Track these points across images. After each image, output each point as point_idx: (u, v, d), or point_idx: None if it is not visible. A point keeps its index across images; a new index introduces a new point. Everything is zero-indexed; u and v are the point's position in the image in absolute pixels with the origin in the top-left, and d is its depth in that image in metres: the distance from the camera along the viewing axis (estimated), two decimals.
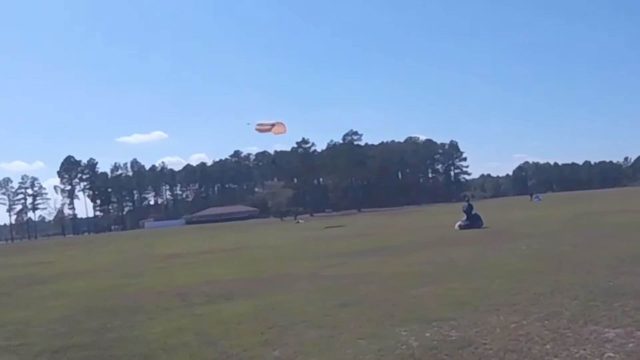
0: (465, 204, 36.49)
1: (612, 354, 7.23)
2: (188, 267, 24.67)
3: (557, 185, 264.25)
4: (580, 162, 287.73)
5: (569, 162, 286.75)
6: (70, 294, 18.15)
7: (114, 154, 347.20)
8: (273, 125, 46.48)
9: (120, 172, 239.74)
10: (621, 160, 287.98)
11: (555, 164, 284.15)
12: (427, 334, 8.91)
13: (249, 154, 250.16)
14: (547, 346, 7.76)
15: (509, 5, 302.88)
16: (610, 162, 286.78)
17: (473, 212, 35.77)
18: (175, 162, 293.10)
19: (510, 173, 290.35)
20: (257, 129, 36.95)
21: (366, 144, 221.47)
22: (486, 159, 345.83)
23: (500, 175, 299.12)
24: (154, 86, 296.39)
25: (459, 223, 34.71)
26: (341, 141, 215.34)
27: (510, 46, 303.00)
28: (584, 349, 7.49)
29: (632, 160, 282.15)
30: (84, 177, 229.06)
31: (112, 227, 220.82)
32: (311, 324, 10.30)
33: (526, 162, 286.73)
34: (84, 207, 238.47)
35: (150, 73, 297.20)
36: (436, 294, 12.27)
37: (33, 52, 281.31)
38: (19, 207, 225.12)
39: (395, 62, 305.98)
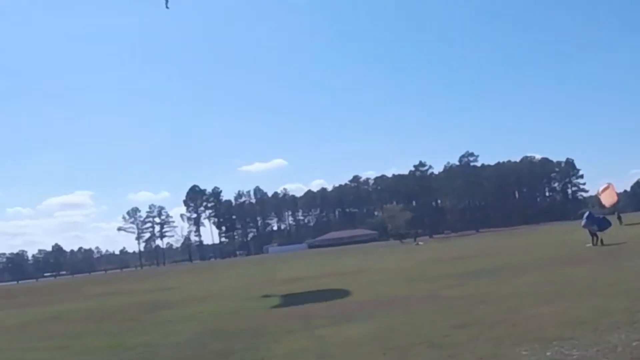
0: (584, 220, 35.47)
1: None
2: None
3: None
4: None
5: None
6: (196, 317, 18.88)
7: (237, 182, 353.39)
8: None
9: (243, 199, 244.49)
10: None
11: None
12: (548, 353, 8.89)
13: (367, 178, 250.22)
14: None
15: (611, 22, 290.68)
16: None
17: (596, 216, 35.21)
18: (296, 189, 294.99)
19: (629, 189, 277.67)
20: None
21: (482, 165, 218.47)
22: (602, 175, 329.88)
23: (618, 191, 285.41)
24: (271, 115, 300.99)
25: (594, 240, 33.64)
26: (457, 163, 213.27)
27: (618, 60, 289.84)
28: None
29: None
30: (209, 205, 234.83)
31: (237, 253, 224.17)
32: (431, 344, 10.41)
33: None
34: (210, 234, 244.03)
35: (264, 102, 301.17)
36: (555, 313, 12.17)
37: (153, 82, 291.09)
38: (147, 235, 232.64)
39: (508, 84, 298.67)
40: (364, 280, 27.65)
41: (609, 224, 34.59)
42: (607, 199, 69.56)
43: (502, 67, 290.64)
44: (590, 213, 35.79)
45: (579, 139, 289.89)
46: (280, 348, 11.72)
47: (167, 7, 24.44)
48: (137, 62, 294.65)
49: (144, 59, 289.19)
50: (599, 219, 34.78)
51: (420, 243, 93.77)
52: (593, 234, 33.81)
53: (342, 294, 21.57)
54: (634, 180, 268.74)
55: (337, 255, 74.20)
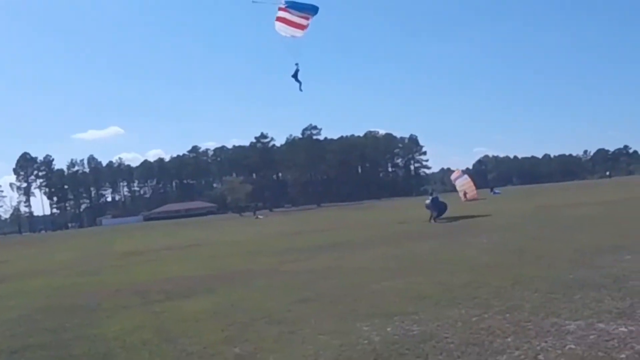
0: (429, 200, 36.76)
1: (573, 346, 7.26)
2: (147, 264, 24.47)
3: (517, 179, 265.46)
4: (540, 156, 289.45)
5: (529, 155, 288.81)
6: (27, 293, 17.99)
7: (70, 151, 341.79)
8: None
9: (76, 168, 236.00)
10: (580, 153, 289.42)
11: (515, 157, 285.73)
12: (389, 329, 8.91)
13: (207, 149, 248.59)
14: (509, 339, 7.78)
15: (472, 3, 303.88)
16: (570, 155, 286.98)
17: (441, 201, 36.70)
18: (132, 159, 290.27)
19: (471, 167, 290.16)
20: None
21: (325, 139, 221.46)
22: (446, 153, 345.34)
23: (461, 168, 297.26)
24: (108, 81, 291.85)
25: (432, 218, 34.91)
26: (300, 136, 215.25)
27: (469, 43, 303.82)
28: (545, 342, 7.52)
29: (592, 154, 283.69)
30: (40, 174, 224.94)
31: (69, 225, 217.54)
32: (272, 320, 10.27)
33: (486, 156, 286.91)
34: (41, 205, 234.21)
35: (103, 67, 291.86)
36: (398, 289, 12.28)
37: None
38: None
39: (354, 58, 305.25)
40: (203, 254, 27.34)
41: (446, 209, 36.12)
42: (467, 194, 72.37)
43: (346, 40, 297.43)
44: (436, 197, 36.99)
45: (423, 116, 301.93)
46: (115, 324, 11.22)
47: (300, 90, 24.13)
48: None
49: None
50: (440, 205, 36.14)
51: (260, 217, 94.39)
52: (432, 212, 35.23)
53: (181, 268, 21.18)
54: (477, 158, 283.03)
55: (175, 228, 73.65)
